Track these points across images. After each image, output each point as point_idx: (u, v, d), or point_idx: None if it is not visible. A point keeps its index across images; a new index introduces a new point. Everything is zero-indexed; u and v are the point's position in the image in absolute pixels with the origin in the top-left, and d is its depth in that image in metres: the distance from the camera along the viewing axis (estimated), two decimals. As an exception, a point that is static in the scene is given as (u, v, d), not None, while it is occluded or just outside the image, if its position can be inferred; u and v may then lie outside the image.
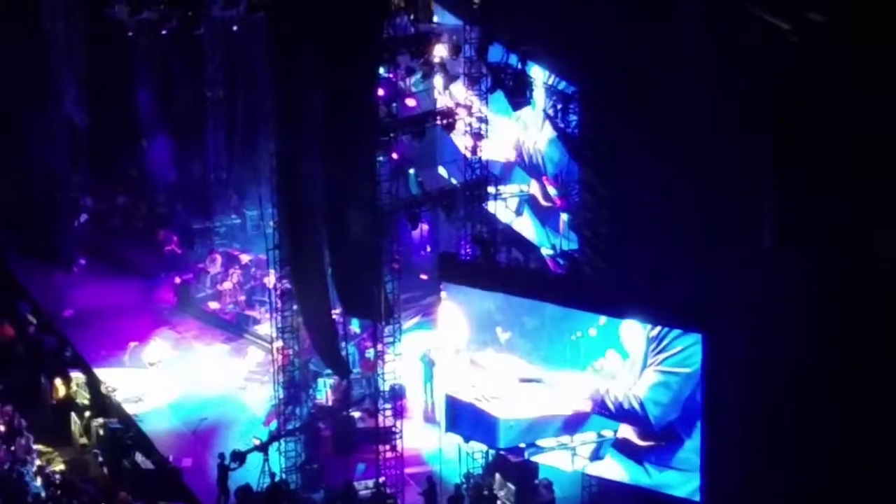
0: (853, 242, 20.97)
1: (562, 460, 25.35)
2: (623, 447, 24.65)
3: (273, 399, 28.69)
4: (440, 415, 27.62)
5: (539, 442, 25.53)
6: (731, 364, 22.93)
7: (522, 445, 25.80)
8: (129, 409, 30.18)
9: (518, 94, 26.14)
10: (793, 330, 21.73)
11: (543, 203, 29.09)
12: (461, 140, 28.64)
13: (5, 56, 37.29)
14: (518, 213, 29.79)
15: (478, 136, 27.86)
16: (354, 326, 30.77)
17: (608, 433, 24.78)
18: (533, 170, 29.24)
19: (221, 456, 26.78)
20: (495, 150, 29.13)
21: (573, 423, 25.06)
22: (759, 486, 22.96)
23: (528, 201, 29.58)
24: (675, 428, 24.00)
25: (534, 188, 29.35)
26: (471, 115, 27.74)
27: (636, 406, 24.24)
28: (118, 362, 32.51)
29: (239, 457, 26.39)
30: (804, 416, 22.04)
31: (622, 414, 24.49)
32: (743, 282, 22.43)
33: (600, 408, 24.69)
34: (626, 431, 24.63)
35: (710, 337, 22.99)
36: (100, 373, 31.40)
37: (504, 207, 29.33)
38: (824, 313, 21.32)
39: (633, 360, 24.18)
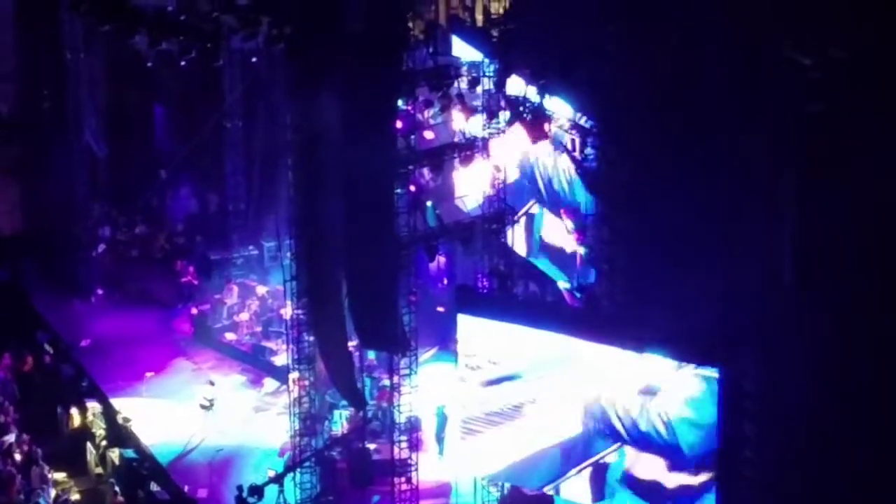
0: (875, 278, 20.87)
1: (578, 493, 24.70)
2: (636, 483, 22.30)
3: (289, 430, 28.65)
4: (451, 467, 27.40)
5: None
6: (750, 400, 22.64)
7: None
8: (145, 439, 30.24)
9: (536, 128, 26.15)
10: (814, 367, 21.49)
11: (566, 237, 28.64)
12: (465, 178, 28.47)
13: (26, 86, 37.62)
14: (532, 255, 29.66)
15: (496, 168, 27.88)
16: (372, 357, 30.76)
17: (611, 456, 22.26)
18: (549, 197, 29.16)
19: (239, 489, 26.65)
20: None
21: (571, 455, 22.95)
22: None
23: (541, 246, 29.31)
24: (711, 462, 20.99)
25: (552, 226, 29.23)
26: (487, 148, 27.77)
27: (660, 429, 21.09)
28: (135, 392, 32.55)
29: (257, 491, 26.26)
30: (825, 455, 21.67)
31: (637, 439, 21.73)
32: (763, 317, 22.23)
33: (602, 426, 22.08)
34: (644, 460, 22.29)
35: (727, 373, 21.98)
36: (116, 402, 31.40)
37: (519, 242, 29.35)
38: (846, 350, 21.12)
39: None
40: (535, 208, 29.69)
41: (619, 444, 22.73)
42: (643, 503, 22.54)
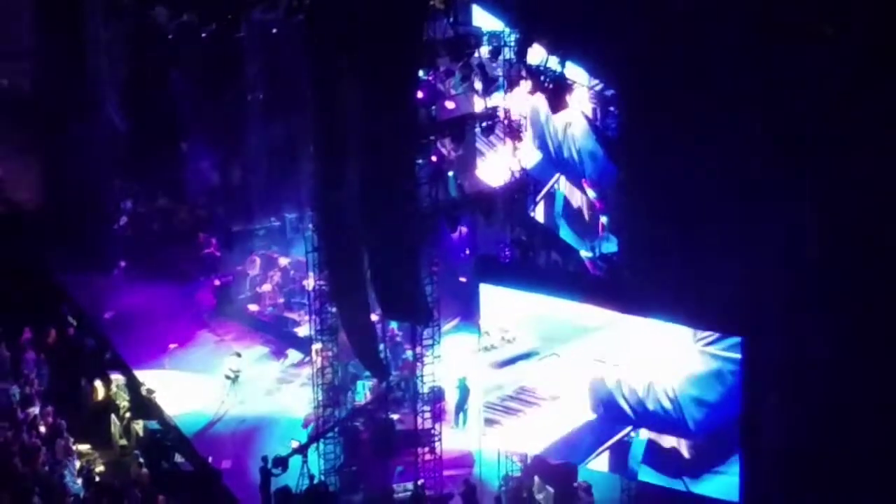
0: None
1: (599, 465, 24.76)
2: (657, 459, 22.45)
3: (312, 401, 28.72)
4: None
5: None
6: (772, 371, 22.54)
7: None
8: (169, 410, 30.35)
9: (558, 97, 26.06)
10: (836, 337, 21.39)
11: (586, 213, 28.50)
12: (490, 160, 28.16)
13: (46, 61, 37.61)
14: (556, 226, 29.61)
15: (517, 138, 27.79)
16: (394, 328, 30.80)
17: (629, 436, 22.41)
18: (568, 169, 29.04)
19: (264, 460, 26.81)
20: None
21: (590, 441, 23.01)
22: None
23: (564, 213, 29.33)
24: (724, 441, 20.95)
25: (568, 191, 29.12)
26: (510, 117, 27.68)
27: (667, 405, 20.95)
28: (158, 364, 32.66)
29: (281, 462, 26.42)
30: (848, 427, 21.55)
31: (645, 418, 21.66)
32: (785, 286, 22.16)
33: (607, 409, 22.02)
34: (664, 439, 22.49)
35: (750, 341, 21.96)
36: (140, 375, 31.52)
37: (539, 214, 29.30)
38: (868, 320, 21.02)
39: (667, 332, 21.20)
40: (557, 185, 29.55)
41: (630, 426, 22.72)
42: (665, 477, 22.64)
